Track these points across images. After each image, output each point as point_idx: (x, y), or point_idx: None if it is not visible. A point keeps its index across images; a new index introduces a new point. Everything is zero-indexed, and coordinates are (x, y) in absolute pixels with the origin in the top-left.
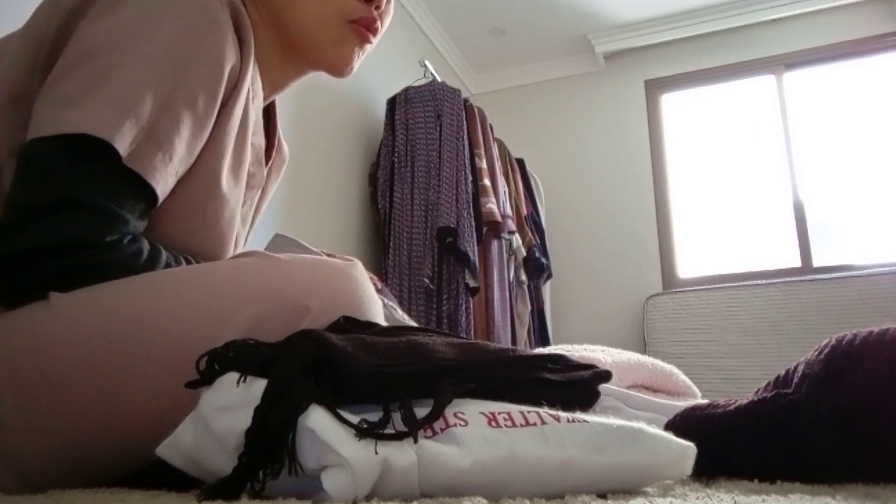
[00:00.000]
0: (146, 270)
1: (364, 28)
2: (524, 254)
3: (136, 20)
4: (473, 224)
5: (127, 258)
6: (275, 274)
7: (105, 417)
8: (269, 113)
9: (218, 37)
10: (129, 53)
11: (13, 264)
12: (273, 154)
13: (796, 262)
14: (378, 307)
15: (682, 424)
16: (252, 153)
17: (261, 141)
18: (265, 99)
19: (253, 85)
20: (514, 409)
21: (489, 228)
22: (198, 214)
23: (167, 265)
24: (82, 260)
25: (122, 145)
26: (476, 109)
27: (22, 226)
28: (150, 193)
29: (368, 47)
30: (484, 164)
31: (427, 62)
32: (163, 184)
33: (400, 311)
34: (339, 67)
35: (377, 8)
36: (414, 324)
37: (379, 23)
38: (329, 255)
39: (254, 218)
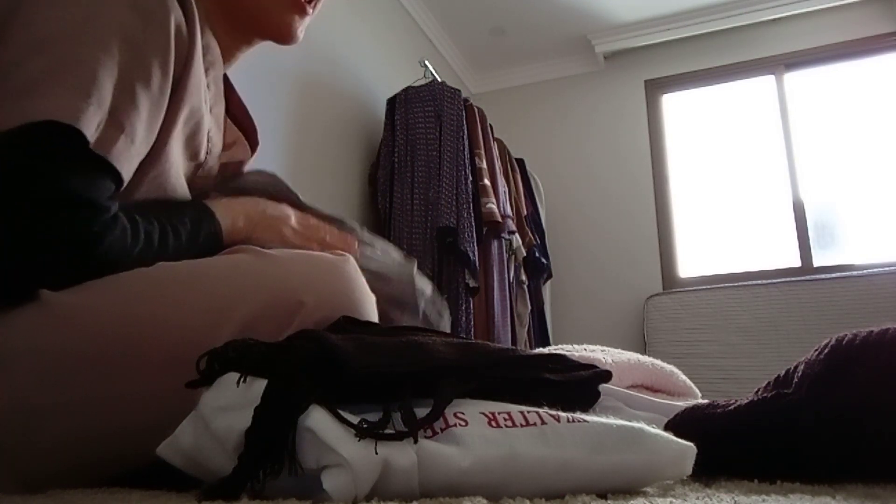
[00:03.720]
0: (135, 247)
1: None
2: (524, 254)
3: (83, 3)
4: (473, 224)
5: (115, 244)
6: (268, 270)
7: (103, 418)
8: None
9: (165, 11)
10: (82, 37)
11: (5, 265)
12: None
13: (796, 262)
14: (371, 301)
15: (682, 424)
16: (213, 122)
17: (221, 110)
18: None
19: (208, 54)
20: (514, 409)
21: (489, 228)
22: (148, 180)
23: (147, 232)
24: (77, 256)
25: (89, 130)
26: (476, 109)
27: (9, 226)
28: (116, 176)
29: (309, 17)
30: (484, 164)
31: (427, 62)
32: (126, 166)
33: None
34: (283, 35)
35: None
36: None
37: None
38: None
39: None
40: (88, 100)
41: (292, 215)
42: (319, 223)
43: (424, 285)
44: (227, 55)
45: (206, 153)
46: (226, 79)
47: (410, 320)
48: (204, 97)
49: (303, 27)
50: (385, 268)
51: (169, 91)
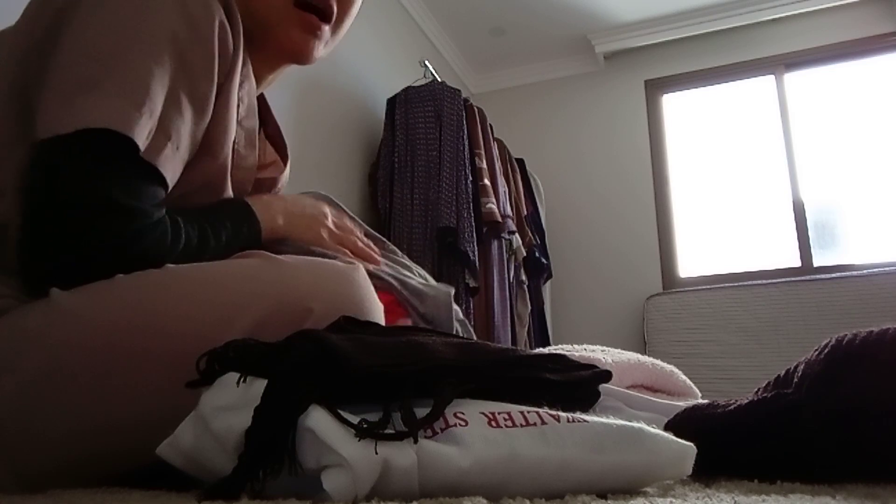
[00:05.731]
0: (175, 248)
1: (314, 14)
2: (524, 254)
3: (133, 10)
4: (473, 224)
5: (153, 246)
6: (277, 276)
7: (106, 418)
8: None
9: (211, 21)
10: (134, 44)
11: (50, 271)
12: (280, 145)
13: (796, 262)
14: (379, 310)
15: (682, 424)
16: (243, 135)
17: (253, 124)
18: None
19: (244, 68)
20: (514, 409)
21: (489, 228)
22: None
23: (188, 234)
24: (113, 257)
25: (141, 139)
26: (476, 109)
27: (58, 234)
28: (163, 181)
29: (328, 34)
30: (484, 164)
31: (427, 62)
32: (171, 172)
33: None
34: (295, 54)
35: None
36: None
37: (335, 7)
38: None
39: None
40: (142, 109)
41: (329, 214)
42: (354, 226)
43: (458, 309)
44: (258, 79)
45: (232, 165)
46: (264, 100)
47: None
48: (234, 108)
49: (318, 48)
50: (422, 286)
51: (213, 99)
